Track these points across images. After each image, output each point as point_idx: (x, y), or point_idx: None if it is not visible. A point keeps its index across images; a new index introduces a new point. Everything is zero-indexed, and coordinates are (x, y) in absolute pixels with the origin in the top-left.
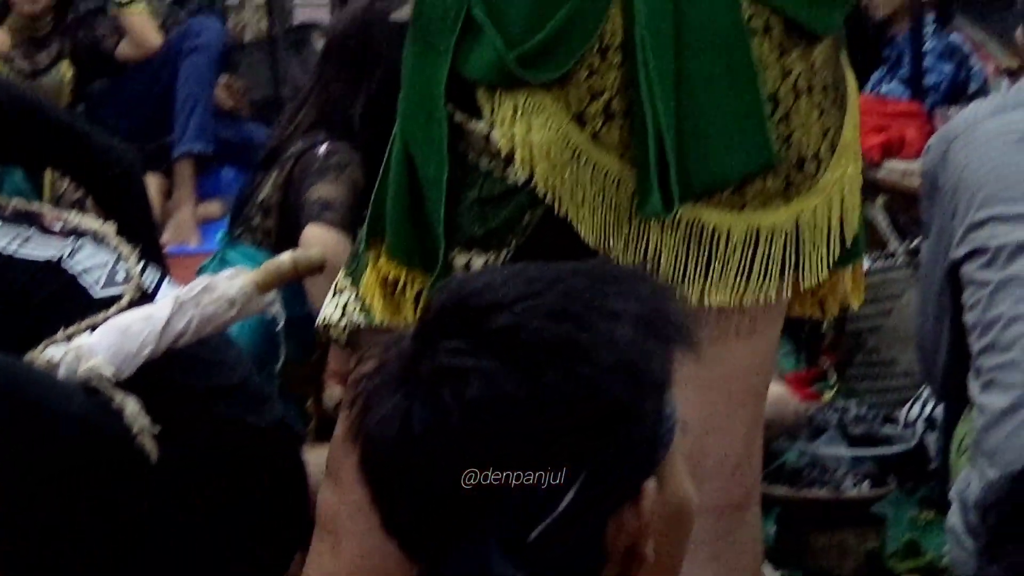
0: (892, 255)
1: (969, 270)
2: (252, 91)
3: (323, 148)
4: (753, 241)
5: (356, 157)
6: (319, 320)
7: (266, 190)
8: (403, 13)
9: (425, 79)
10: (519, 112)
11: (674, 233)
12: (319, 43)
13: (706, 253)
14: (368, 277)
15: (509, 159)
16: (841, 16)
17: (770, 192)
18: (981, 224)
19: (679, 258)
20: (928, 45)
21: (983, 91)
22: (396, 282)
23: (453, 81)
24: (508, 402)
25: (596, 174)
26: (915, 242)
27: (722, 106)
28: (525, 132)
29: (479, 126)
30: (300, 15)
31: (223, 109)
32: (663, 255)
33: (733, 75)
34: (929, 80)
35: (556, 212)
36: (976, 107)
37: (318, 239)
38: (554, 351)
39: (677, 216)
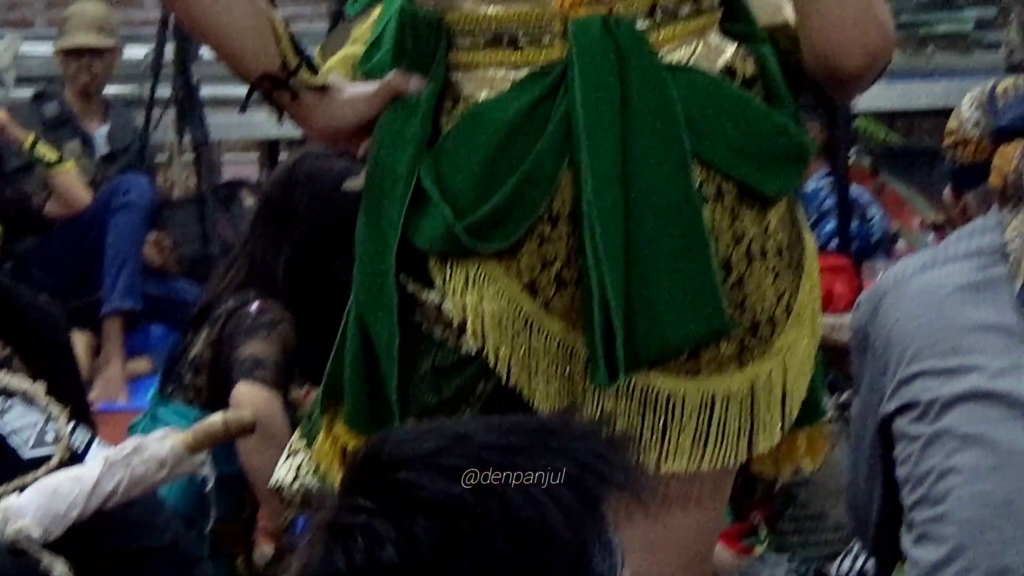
0: None
1: (900, 424)
2: (181, 248)
3: (254, 306)
4: (708, 407)
5: (287, 315)
6: (272, 481)
7: (197, 347)
8: (357, 182)
9: (377, 248)
10: (470, 282)
11: (628, 401)
12: (248, 200)
13: (661, 420)
14: (324, 443)
15: (462, 329)
16: (796, 177)
17: (724, 357)
18: (912, 379)
19: (634, 426)
20: (827, 203)
21: (886, 240)
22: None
23: (405, 251)
24: (391, 567)
25: (548, 343)
26: (844, 396)
27: (673, 274)
28: (477, 302)
29: (431, 296)
30: (229, 172)
31: (152, 266)
32: (618, 423)
33: (684, 243)
34: (826, 232)
35: (508, 382)
36: (905, 263)
37: (249, 397)
38: (444, 512)
39: (631, 383)
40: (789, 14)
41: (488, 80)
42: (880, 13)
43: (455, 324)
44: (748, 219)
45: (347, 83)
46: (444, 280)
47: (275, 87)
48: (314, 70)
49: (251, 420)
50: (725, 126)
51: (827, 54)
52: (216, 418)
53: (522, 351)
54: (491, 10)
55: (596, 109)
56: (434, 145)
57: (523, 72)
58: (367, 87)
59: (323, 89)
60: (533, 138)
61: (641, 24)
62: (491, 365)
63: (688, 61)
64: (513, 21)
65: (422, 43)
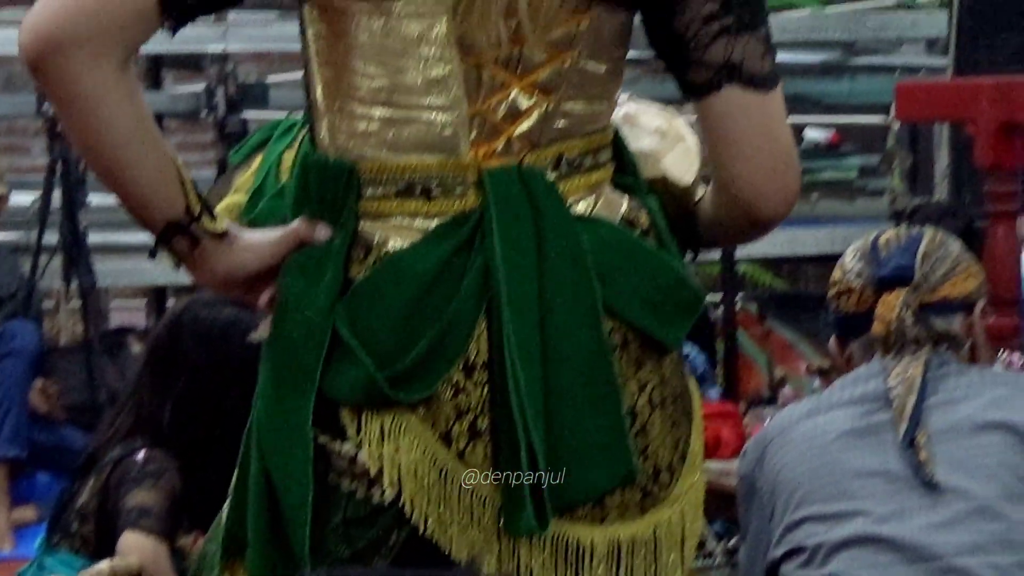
0: (710, 555)
1: (788, 569)
2: (67, 395)
3: (141, 455)
4: (615, 554)
5: (173, 463)
6: None
7: (84, 496)
8: (262, 333)
9: (288, 401)
10: (386, 433)
11: (541, 549)
12: (135, 347)
13: (572, 568)
14: None
15: (373, 480)
16: (688, 328)
17: (628, 503)
18: (798, 524)
19: (547, 574)
20: None
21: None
22: None
23: (316, 402)
24: None
25: (463, 493)
26: (732, 541)
27: (587, 421)
28: (393, 452)
29: (344, 447)
30: (116, 319)
31: (38, 413)
32: (532, 572)
33: (597, 392)
34: None
35: (423, 532)
36: (791, 410)
37: (135, 546)
38: None
39: (543, 532)
40: (666, 168)
41: (399, 229)
42: (796, 159)
43: (370, 475)
44: (649, 368)
45: (247, 230)
46: (358, 431)
47: (176, 233)
48: (213, 216)
49: (137, 568)
50: (632, 277)
51: (750, 200)
52: (103, 566)
53: (437, 501)
54: (403, 160)
55: (515, 260)
56: (344, 294)
57: (434, 221)
58: (269, 234)
59: (223, 235)
60: (451, 288)
61: (549, 175)
62: (407, 515)
63: (591, 212)
64: (426, 171)
65: (328, 190)
